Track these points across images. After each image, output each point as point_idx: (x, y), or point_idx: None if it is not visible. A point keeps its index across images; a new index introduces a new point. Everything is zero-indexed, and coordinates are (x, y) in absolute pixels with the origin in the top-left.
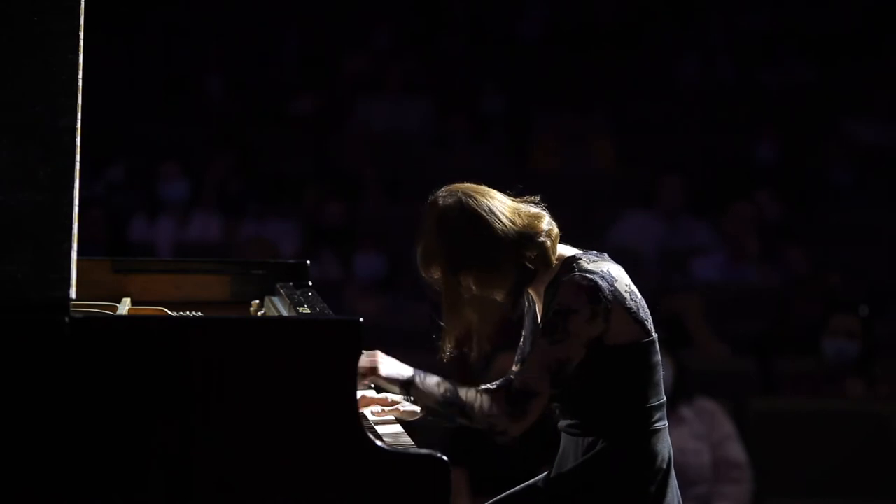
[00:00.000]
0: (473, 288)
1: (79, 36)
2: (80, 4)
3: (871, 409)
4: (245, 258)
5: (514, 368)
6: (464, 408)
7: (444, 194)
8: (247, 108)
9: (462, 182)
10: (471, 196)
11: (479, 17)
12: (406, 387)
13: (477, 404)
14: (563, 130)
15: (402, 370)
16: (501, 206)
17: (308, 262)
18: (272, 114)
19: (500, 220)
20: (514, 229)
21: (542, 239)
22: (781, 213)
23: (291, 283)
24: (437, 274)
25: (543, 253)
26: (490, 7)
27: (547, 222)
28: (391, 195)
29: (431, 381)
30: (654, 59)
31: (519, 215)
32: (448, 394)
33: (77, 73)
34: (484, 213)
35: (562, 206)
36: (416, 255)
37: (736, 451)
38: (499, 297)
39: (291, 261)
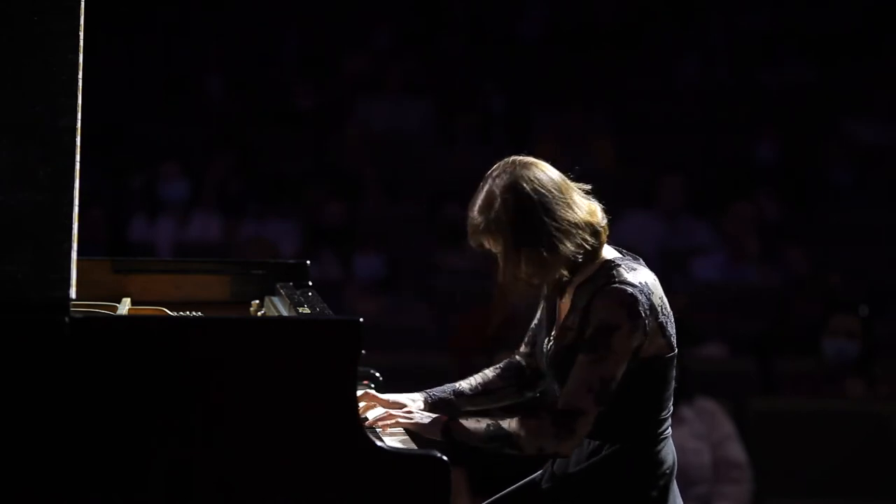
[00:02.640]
0: (524, 268)
1: (79, 36)
2: (80, 4)
3: (871, 409)
4: (245, 258)
5: (523, 349)
6: (510, 438)
7: (512, 167)
8: (247, 108)
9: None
10: (542, 171)
11: (479, 17)
12: (447, 434)
13: (523, 433)
14: (564, 130)
15: (435, 419)
16: (568, 187)
17: (308, 262)
18: (272, 114)
19: (568, 203)
20: (578, 216)
21: (601, 229)
22: (781, 213)
23: (291, 283)
24: (489, 245)
25: (598, 247)
26: (490, 7)
27: (601, 214)
28: (391, 195)
29: (470, 421)
30: (654, 59)
31: (580, 204)
32: (491, 428)
33: (77, 73)
34: (553, 194)
35: None
36: (472, 222)
37: (736, 451)
38: (546, 280)
39: (291, 261)
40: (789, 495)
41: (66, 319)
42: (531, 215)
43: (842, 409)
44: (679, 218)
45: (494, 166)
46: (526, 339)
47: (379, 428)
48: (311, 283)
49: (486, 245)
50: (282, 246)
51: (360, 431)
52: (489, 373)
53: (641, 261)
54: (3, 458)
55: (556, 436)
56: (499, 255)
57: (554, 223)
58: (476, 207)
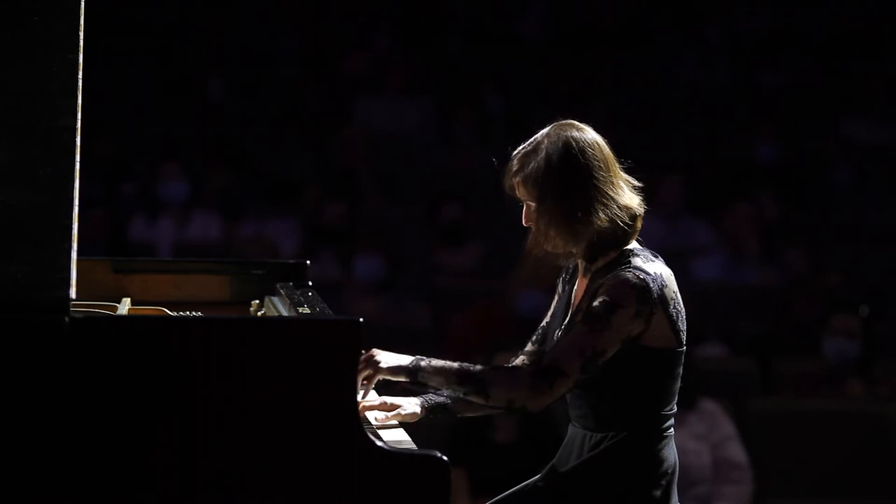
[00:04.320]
0: (549, 221)
1: (79, 36)
2: (80, 5)
3: (871, 409)
4: (245, 258)
5: (529, 348)
6: (481, 382)
7: (568, 128)
8: (247, 108)
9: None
10: (597, 142)
11: (480, 17)
12: (414, 372)
13: (496, 379)
14: None
15: (403, 358)
16: (615, 167)
17: (308, 262)
18: (272, 114)
19: (613, 179)
20: (619, 197)
21: (638, 216)
22: (781, 213)
23: (291, 283)
24: (522, 190)
25: (633, 231)
26: (490, 7)
27: (640, 205)
28: (391, 195)
29: (439, 361)
30: (653, 59)
31: (627, 187)
32: (462, 369)
33: (77, 73)
34: (602, 165)
35: None
36: (515, 162)
37: (736, 451)
38: (562, 244)
39: (291, 261)
40: (789, 495)
41: (66, 319)
42: (575, 172)
43: (842, 409)
44: (679, 218)
45: (548, 125)
46: (534, 337)
47: (372, 419)
48: (311, 283)
49: (517, 193)
50: (282, 246)
51: (360, 431)
52: (505, 365)
53: (661, 257)
54: (3, 458)
55: (531, 387)
56: (529, 210)
57: (595, 188)
58: (521, 152)
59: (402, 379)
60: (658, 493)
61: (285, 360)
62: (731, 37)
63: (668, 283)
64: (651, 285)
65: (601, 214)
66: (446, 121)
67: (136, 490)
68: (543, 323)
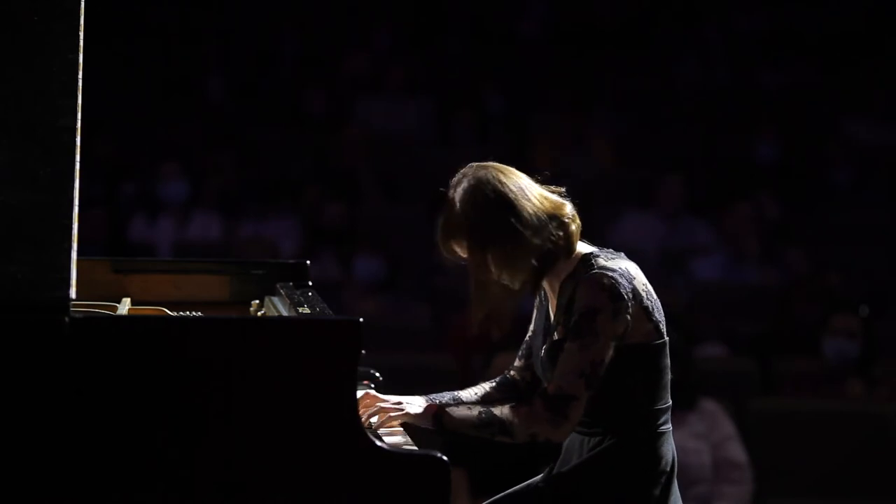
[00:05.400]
0: (496, 269)
1: (79, 36)
2: (80, 5)
3: (871, 409)
4: (245, 258)
5: (517, 363)
6: (503, 425)
7: (473, 171)
8: (247, 108)
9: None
10: (500, 173)
11: (480, 17)
12: (438, 422)
13: (515, 419)
14: (563, 130)
15: (426, 408)
16: (532, 189)
17: (308, 262)
18: (272, 114)
19: (528, 199)
20: (541, 209)
21: (567, 221)
22: (781, 213)
23: (291, 283)
24: (458, 250)
25: (567, 237)
26: (490, 7)
27: (570, 209)
28: (391, 195)
29: (461, 410)
30: (653, 59)
31: (546, 198)
32: (483, 415)
33: (77, 73)
34: (513, 191)
35: None
36: (439, 230)
37: (736, 451)
38: (517, 280)
39: (291, 261)
40: (789, 495)
41: (66, 319)
42: (491, 212)
43: (842, 409)
44: (679, 218)
45: (456, 175)
46: (520, 353)
47: (373, 420)
48: (311, 283)
49: (457, 251)
50: (282, 246)
51: (360, 431)
52: (486, 385)
53: (623, 255)
54: (3, 458)
55: (549, 421)
56: (471, 263)
57: (514, 217)
58: (441, 218)
59: (426, 426)
60: (657, 490)
61: (285, 360)
62: (731, 37)
63: (635, 275)
64: (620, 281)
65: (530, 237)
66: (446, 121)
67: (136, 490)
68: (527, 337)
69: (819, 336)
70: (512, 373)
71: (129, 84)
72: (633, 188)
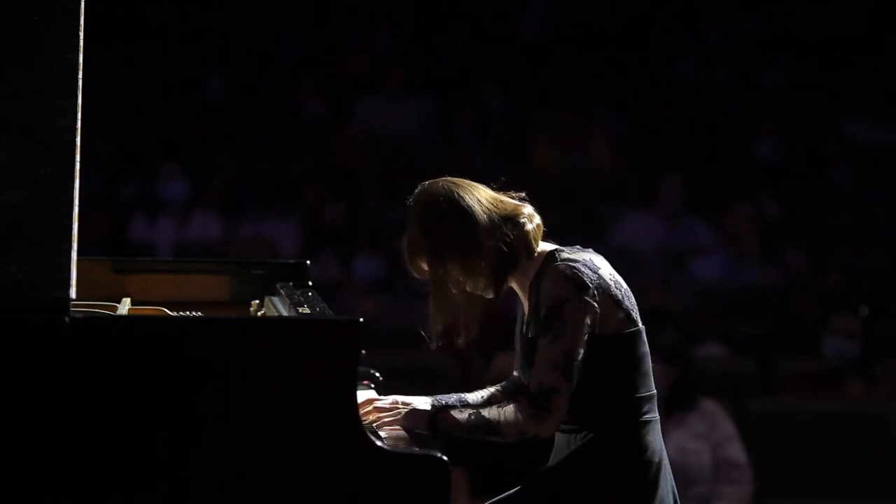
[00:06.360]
0: (459, 278)
1: (79, 36)
2: (80, 4)
3: (871, 409)
4: (245, 258)
5: (515, 373)
6: (491, 425)
7: (424, 187)
8: (247, 109)
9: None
10: (452, 184)
11: (480, 17)
12: (432, 426)
13: (503, 419)
14: (563, 130)
15: (420, 412)
16: (482, 194)
17: (308, 262)
18: (272, 114)
19: (480, 206)
20: (494, 213)
21: (523, 220)
22: (781, 213)
23: (291, 283)
24: (423, 265)
25: (523, 235)
26: (490, 7)
27: (528, 211)
28: (391, 195)
29: (453, 413)
30: (653, 59)
31: (501, 202)
32: (473, 418)
33: (77, 73)
34: (464, 200)
35: (562, 207)
36: (404, 251)
37: (736, 451)
38: (482, 285)
39: (291, 261)
40: (789, 495)
41: (66, 319)
42: (444, 221)
43: (842, 409)
44: (679, 218)
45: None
46: (516, 359)
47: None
48: (311, 283)
49: (424, 267)
50: (282, 246)
51: (360, 431)
52: (492, 388)
53: (590, 250)
54: (3, 458)
55: (533, 417)
56: (428, 275)
57: (466, 221)
58: (404, 241)
59: (420, 430)
60: (644, 481)
61: (285, 360)
62: (731, 37)
63: (600, 265)
64: (583, 270)
65: (485, 240)
66: (446, 121)
67: (137, 490)
68: (515, 344)
69: (819, 336)
70: (516, 374)
71: (129, 84)
72: (632, 188)
